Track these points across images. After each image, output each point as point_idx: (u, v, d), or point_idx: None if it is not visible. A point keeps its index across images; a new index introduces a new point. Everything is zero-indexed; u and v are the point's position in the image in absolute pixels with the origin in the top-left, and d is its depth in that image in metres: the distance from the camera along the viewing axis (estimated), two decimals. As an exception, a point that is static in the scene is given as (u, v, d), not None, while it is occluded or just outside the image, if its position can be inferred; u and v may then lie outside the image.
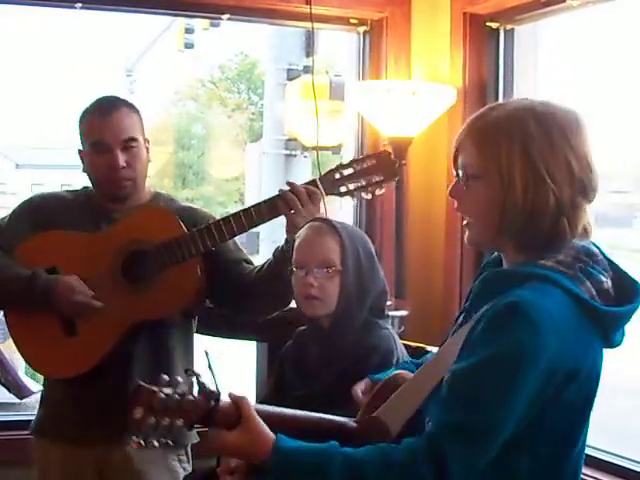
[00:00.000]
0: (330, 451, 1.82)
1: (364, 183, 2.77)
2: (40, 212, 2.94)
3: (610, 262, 1.93)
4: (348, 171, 2.77)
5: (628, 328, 1.94)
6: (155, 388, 1.86)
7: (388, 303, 2.79)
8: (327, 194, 2.77)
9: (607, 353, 1.93)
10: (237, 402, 1.90)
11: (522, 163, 1.83)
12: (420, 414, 1.94)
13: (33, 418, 3.04)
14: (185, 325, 2.98)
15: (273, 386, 2.78)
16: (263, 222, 2.80)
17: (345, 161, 2.79)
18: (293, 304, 2.78)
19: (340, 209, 4.68)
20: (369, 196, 2.81)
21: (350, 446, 1.84)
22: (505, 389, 1.75)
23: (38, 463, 2.99)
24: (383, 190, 2.80)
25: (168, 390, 1.86)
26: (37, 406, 3.05)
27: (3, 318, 2.94)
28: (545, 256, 1.86)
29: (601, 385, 1.91)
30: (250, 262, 2.96)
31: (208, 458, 2.68)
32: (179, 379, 1.88)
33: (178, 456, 2.96)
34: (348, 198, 2.81)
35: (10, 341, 2.94)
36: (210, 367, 1.95)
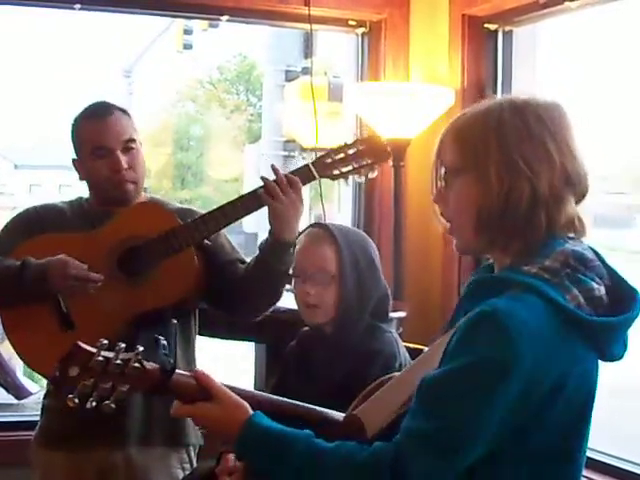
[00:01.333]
0: (297, 437, 1.80)
1: (356, 166, 2.78)
2: (35, 223, 2.92)
3: (609, 269, 1.84)
4: (339, 155, 2.78)
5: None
6: (93, 350, 1.86)
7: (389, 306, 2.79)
8: (320, 177, 2.78)
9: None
10: (200, 379, 1.90)
11: (497, 152, 1.77)
12: (400, 420, 1.87)
13: (36, 428, 3.01)
14: (184, 321, 2.97)
15: (275, 385, 2.78)
16: (249, 212, 2.80)
17: (336, 146, 2.80)
18: (293, 306, 2.79)
19: (338, 211, 4.68)
20: (362, 179, 2.83)
21: (330, 439, 1.82)
22: (475, 400, 1.68)
23: (39, 470, 2.97)
24: (375, 173, 2.81)
25: (108, 354, 1.86)
26: (39, 412, 3.03)
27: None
28: (530, 260, 1.77)
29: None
30: (244, 262, 2.96)
31: (211, 459, 2.69)
32: (121, 345, 1.87)
33: (181, 463, 2.96)
34: (342, 182, 2.82)
35: (8, 342, 2.93)
36: (172, 339, 1.96)
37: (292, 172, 2.81)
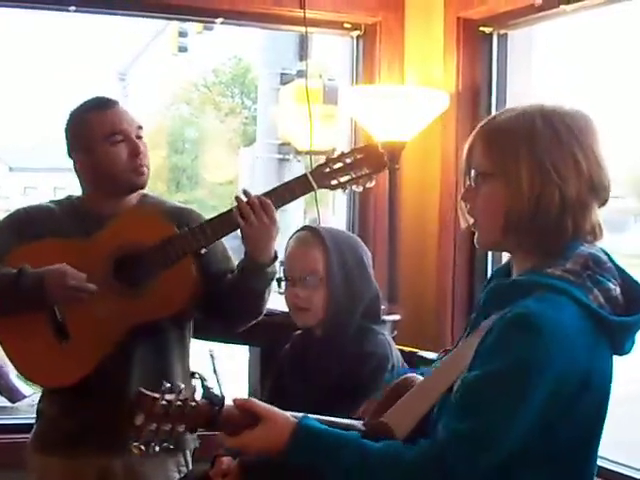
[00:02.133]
0: (347, 438, 1.87)
1: (354, 176, 2.76)
2: (26, 225, 2.89)
3: (619, 269, 1.91)
4: (337, 165, 2.76)
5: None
6: (157, 395, 1.88)
7: (381, 308, 2.79)
8: (318, 187, 2.77)
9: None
10: (240, 405, 1.94)
11: (528, 159, 1.83)
12: (427, 420, 1.94)
13: (31, 433, 2.98)
14: (181, 330, 2.96)
15: (271, 388, 2.78)
16: (222, 236, 2.80)
17: (334, 155, 2.79)
18: (286, 309, 2.79)
19: (333, 214, 4.68)
20: (360, 189, 2.81)
21: None
22: (513, 399, 1.74)
23: (34, 475, 2.95)
24: (373, 182, 2.80)
25: (170, 396, 1.88)
26: (33, 415, 3.01)
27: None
28: (552, 263, 1.84)
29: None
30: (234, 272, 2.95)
31: (207, 461, 2.69)
32: (181, 385, 1.90)
33: (178, 466, 2.95)
34: (339, 192, 2.81)
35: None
36: (215, 371, 1.96)
37: (289, 182, 2.80)
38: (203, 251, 2.80)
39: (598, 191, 1.88)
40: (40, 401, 2.98)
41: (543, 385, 1.74)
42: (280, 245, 2.78)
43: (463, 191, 1.97)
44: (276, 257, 2.77)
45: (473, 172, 1.92)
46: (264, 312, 2.88)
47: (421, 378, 2.07)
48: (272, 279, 2.79)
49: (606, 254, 1.91)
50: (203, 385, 1.91)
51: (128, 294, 2.78)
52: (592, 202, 1.87)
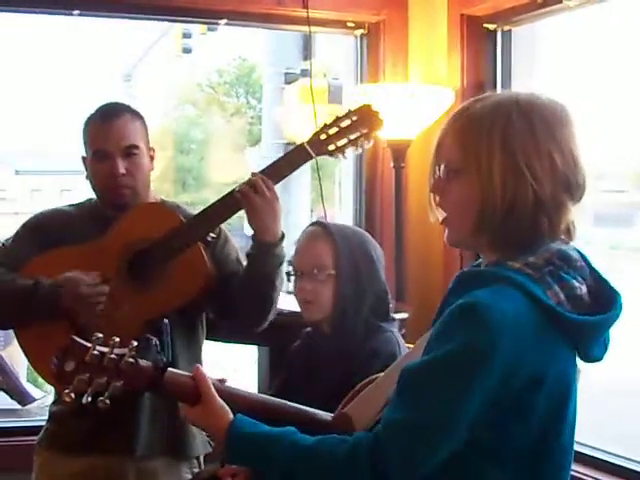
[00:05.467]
0: (281, 435, 1.84)
1: (351, 138, 2.75)
2: (44, 230, 2.91)
3: (592, 270, 1.85)
4: (333, 130, 2.75)
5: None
6: (88, 344, 1.87)
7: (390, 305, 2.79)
8: (317, 155, 2.76)
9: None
10: (196, 379, 1.93)
11: (502, 157, 1.77)
12: None
13: (41, 432, 3.00)
14: (190, 328, 2.96)
15: (279, 386, 2.79)
16: (226, 218, 2.80)
17: (328, 121, 2.78)
18: (295, 308, 2.79)
19: (340, 212, 4.68)
20: (359, 150, 2.79)
21: None
22: (453, 389, 1.69)
23: (40, 476, 2.96)
24: (371, 142, 2.78)
25: (103, 348, 1.87)
26: (42, 418, 3.02)
27: (14, 336, 2.91)
28: (517, 257, 1.79)
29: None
30: None
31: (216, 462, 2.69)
32: (115, 339, 1.88)
33: (191, 469, 2.96)
34: (339, 156, 2.78)
35: (11, 348, 2.93)
36: (165, 338, 1.96)
37: (287, 154, 2.82)
38: (210, 237, 2.81)
39: (573, 190, 1.81)
40: (53, 403, 2.99)
41: (488, 373, 1.68)
42: (289, 243, 2.79)
43: (432, 183, 1.91)
44: (283, 237, 2.76)
45: (443, 166, 1.87)
46: (275, 303, 2.86)
47: None
48: (281, 263, 2.77)
49: (580, 253, 1.85)
50: (151, 348, 1.92)
51: (143, 288, 2.79)
52: (567, 201, 1.81)
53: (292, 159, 2.78)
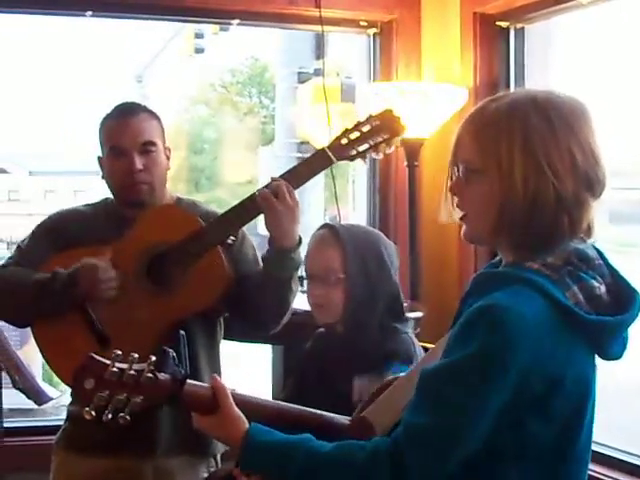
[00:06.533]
0: (297, 443, 1.82)
1: (372, 143, 2.72)
2: (60, 231, 2.91)
3: (611, 268, 1.84)
4: (354, 134, 2.73)
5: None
6: (107, 361, 1.87)
7: (404, 305, 2.78)
8: (338, 160, 2.74)
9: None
10: (214, 389, 1.92)
11: (522, 156, 1.76)
12: None
13: (58, 432, 3.00)
14: (209, 332, 2.96)
15: (293, 387, 2.79)
16: (246, 222, 2.80)
17: (350, 125, 2.77)
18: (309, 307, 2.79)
19: (353, 211, 4.68)
20: (380, 155, 2.77)
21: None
22: (472, 392, 1.69)
23: (59, 476, 2.97)
24: (392, 148, 2.77)
25: (122, 365, 1.86)
26: (59, 418, 3.03)
27: (30, 335, 2.92)
28: (536, 257, 1.78)
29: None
30: None
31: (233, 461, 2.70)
32: (135, 356, 1.88)
33: (208, 469, 2.96)
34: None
35: (28, 347, 2.94)
36: (182, 349, 1.96)
37: (308, 159, 2.80)
38: (230, 240, 2.81)
39: (594, 186, 1.80)
40: (71, 403, 2.98)
41: (506, 376, 1.68)
42: (304, 244, 2.79)
43: (451, 183, 1.90)
44: (300, 242, 2.76)
45: (463, 167, 1.86)
46: (291, 305, 2.86)
47: None
48: (297, 268, 2.77)
49: (598, 251, 1.84)
50: (169, 361, 1.90)
51: (162, 292, 2.78)
52: (588, 198, 1.79)
53: (313, 164, 2.77)
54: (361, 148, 2.74)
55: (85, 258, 2.76)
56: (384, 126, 2.74)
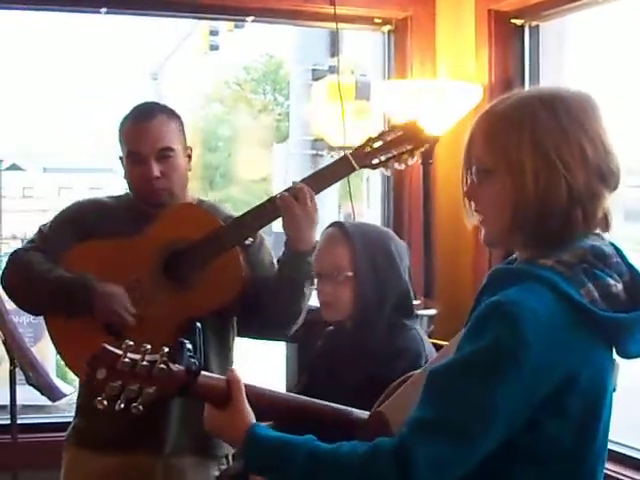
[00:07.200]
0: (298, 445, 1.79)
1: (395, 153, 2.73)
2: (81, 219, 2.91)
3: (629, 266, 1.81)
4: (378, 143, 2.73)
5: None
6: (119, 352, 1.86)
7: (417, 302, 2.77)
8: (360, 168, 2.74)
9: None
10: (229, 381, 1.91)
11: (532, 152, 1.75)
12: None
13: (69, 428, 3.00)
14: (222, 329, 2.96)
15: (305, 385, 2.79)
16: (265, 224, 2.80)
17: (374, 134, 2.77)
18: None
19: (368, 209, 4.68)
20: (402, 166, 2.77)
21: (355, 437, 1.81)
22: (480, 387, 1.66)
23: (70, 473, 2.97)
24: (415, 159, 2.77)
25: (135, 355, 1.86)
26: (73, 414, 3.03)
27: (46, 329, 2.93)
28: (550, 254, 1.77)
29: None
30: None
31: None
32: (147, 347, 1.87)
33: (219, 467, 2.96)
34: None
35: (41, 344, 2.94)
36: (198, 340, 1.95)
37: (330, 165, 2.79)
38: (248, 241, 2.81)
39: (607, 178, 1.78)
40: (79, 397, 2.99)
41: (518, 372, 1.65)
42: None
43: (466, 188, 1.91)
44: (316, 245, 2.76)
45: (475, 168, 1.86)
46: (303, 310, 2.86)
47: None
48: (311, 271, 2.76)
49: (615, 248, 1.82)
50: (184, 352, 1.89)
51: (178, 289, 2.79)
52: (602, 190, 1.78)
53: (335, 170, 2.77)
54: (384, 157, 2.74)
55: (101, 283, 2.76)
56: (408, 137, 2.74)
